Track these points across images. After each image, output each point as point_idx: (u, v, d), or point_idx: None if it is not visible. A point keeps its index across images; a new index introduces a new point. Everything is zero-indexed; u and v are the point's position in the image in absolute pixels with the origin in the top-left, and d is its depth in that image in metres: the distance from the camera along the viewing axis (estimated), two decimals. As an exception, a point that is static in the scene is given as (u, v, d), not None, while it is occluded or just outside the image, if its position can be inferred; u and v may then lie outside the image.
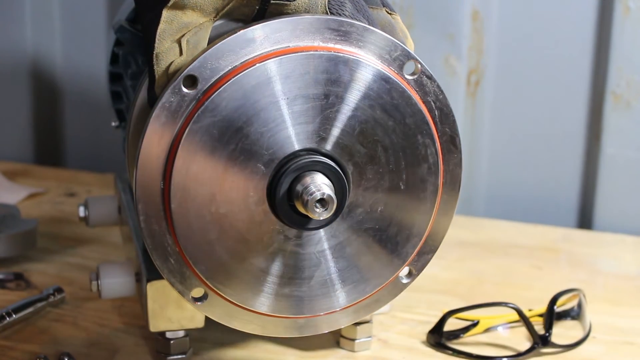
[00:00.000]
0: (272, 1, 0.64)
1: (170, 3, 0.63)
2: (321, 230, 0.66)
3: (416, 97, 0.65)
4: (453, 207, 0.70)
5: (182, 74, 0.62)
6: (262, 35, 0.62)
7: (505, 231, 1.08)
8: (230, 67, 0.62)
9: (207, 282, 0.64)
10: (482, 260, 0.98)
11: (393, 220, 0.67)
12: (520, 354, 0.75)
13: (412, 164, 0.66)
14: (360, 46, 0.64)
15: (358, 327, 0.74)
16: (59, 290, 0.83)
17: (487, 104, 1.15)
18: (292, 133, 0.63)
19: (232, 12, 0.65)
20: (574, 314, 0.82)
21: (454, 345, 0.76)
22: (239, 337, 0.77)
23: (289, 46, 0.63)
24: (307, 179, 0.62)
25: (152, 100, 0.64)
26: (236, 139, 0.62)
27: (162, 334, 0.74)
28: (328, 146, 0.64)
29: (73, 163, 1.34)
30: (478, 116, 1.15)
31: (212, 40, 0.64)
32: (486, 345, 0.77)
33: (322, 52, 0.63)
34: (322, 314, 0.69)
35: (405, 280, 0.71)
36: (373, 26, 0.65)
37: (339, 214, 0.64)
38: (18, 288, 0.87)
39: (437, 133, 0.67)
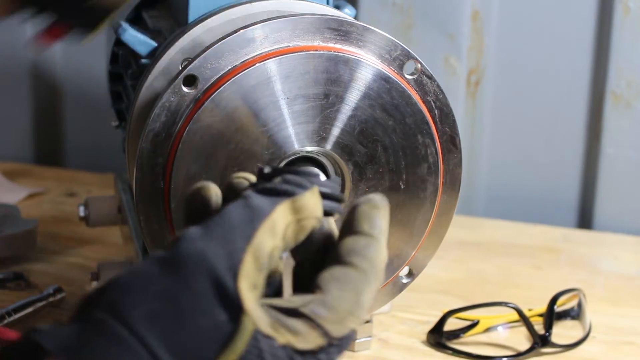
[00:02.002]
0: None
1: None
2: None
3: (416, 97, 0.65)
4: (453, 206, 0.70)
5: (182, 74, 0.62)
6: (262, 35, 0.63)
7: (505, 231, 1.08)
8: (230, 67, 0.62)
9: (207, 282, 0.64)
10: (482, 260, 0.98)
11: (393, 220, 0.67)
12: (520, 354, 0.75)
13: (412, 164, 0.66)
14: (360, 46, 0.64)
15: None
16: (59, 290, 0.83)
17: (487, 104, 1.15)
18: (292, 133, 0.63)
19: None
20: (574, 313, 0.82)
21: (454, 345, 0.76)
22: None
23: (289, 46, 0.63)
24: (307, 179, 0.62)
25: None
26: (236, 138, 0.62)
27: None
28: (328, 146, 0.64)
29: (73, 163, 1.34)
30: (478, 116, 1.15)
31: (211, 43, 0.64)
32: (486, 345, 0.77)
33: (322, 52, 0.63)
34: (322, 313, 0.69)
35: (405, 280, 0.71)
36: None
37: None
38: (18, 288, 0.87)
39: (437, 133, 0.67)
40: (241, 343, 0.41)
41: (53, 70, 1.32)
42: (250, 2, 0.68)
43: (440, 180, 0.68)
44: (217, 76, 0.62)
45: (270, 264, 0.45)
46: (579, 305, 0.82)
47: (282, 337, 0.43)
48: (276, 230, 0.45)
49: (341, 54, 0.63)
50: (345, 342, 0.47)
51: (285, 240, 0.46)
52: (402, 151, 0.66)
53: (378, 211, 0.49)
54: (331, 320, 0.45)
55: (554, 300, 0.78)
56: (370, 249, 0.47)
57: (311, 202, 0.48)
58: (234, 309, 0.41)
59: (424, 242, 0.69)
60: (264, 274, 0.44)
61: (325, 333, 0.45)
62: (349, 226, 0.49)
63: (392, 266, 0.69)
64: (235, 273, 0.42)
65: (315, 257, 0.50)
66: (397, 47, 0.65)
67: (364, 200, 0.50)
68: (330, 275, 0.46)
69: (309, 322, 0.44)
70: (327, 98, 0.63)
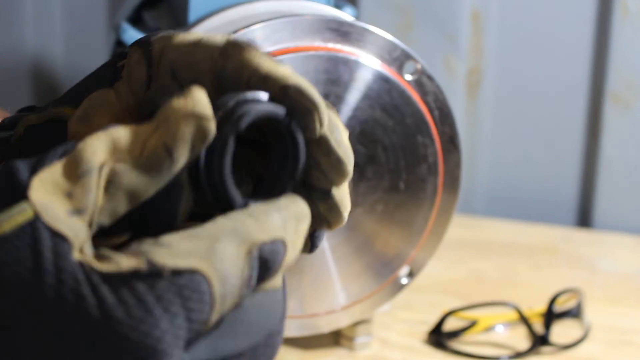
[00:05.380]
0: None
1: None
2: (321, 229, 0.66)
3: (416, 97, 0.66)
4: (453, 206, 0.70)
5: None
6: (262, 36, 0.63)
7: (505, 231, 1.08)
8: (230, 67, 0.62)
9: (208, 282, 0.64)
10: (482, 260, 0.98)
11: (393, 220, 0.67)
12: (519, 354, 0.75)
13: (412, 164, 0.66)
14: (360, 46, 0.64)
15: (358, 326, 0.74)
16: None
17: (487, 104, 1.15)
18: (293, 133, 0.63)
19: None
20: (573, 313, 0.82)
21: (454, 344, 0.76)
22: (239, 337, 0.77)
23: (289, 46, 0.63)
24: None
25: None
26: (236, 138, 0.62)
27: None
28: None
29: (73, 163, 1.34)
30: (478, 116, 1.15)
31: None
32: (486, 344, 0.77)
33: (322, 52, 0.63)
34: (322, 313, 0.69)
35: (405, 280, 0.71)
36: None
37: None
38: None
39: (437, 133, 0.67)
40: (7, 223, 0.34)
41: (53, 70, 1.32)
42: (250, 2, 0.68)
43: (440, 180, 0.68)
44: (218, 76, 0.62)
45: (113, 183, 0.36)
46: (578, 304, 0.82)
47: (81, 254, 0.34)
48: (120, 144, 0.36)
49: (341, 55, 0.63)
50: (187, 280, 0.34)
51: (137, 157, 0.36)
52: (402, 151, 0.66)
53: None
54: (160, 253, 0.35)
55: (553, 300, 0.79)
56: (247, 216, 0.38)
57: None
58: (15, 195, 0.35)
59: (423, 242, 0.69)
60: (88, 188, 0.35)
61: (147, 260, 0.34)
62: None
63: (392, 266, 0.69)
64: (35, 169, 0.35)
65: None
66: (397, 48, 0.65)
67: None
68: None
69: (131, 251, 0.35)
70: (327, 98, 0.63)
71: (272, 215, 0.38)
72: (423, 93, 0.66)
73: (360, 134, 0.64)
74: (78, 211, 0.35)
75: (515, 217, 1.14)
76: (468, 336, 0.78)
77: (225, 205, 0.38)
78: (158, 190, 0.36)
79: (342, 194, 0.43)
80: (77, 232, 0.34)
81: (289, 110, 0.40)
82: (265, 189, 0.41)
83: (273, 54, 0.62)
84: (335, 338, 0.76)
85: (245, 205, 0.39)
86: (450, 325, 0.77)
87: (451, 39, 1.13)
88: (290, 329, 0.69)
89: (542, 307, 0.80)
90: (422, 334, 0.78)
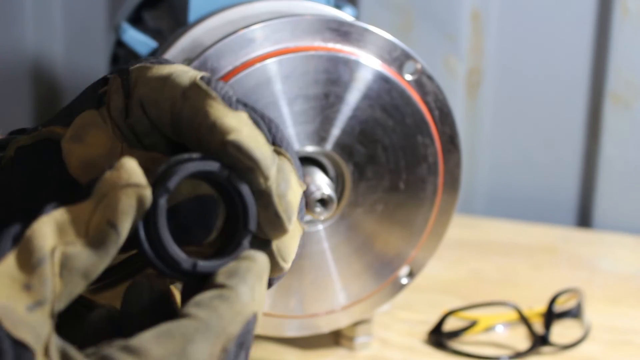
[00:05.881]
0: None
1: None
2: (321, 229, 0.66)
3: (416, 97, 0.66)
4: (453, 206, 0.70)
5: (182, 74, 0.62)
6: (262, 36, 0.63)
7: (505, 231, 1.08)
8: (230, 67, 0.62)
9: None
10: (482, 260, 0.98)
11: (393, 220, 0.67)
12: (519, 354, 0.75)
13: (412, 164, 0.66)
14: (361, 46, 0.64)
15: (358, 326, 0.74)
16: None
17: (487, 104, 1.15)
18: (293, 133, 0.63)
19: None
20: (573, 313, 0.82)
21: (454, 344, 0.76)
22: (239, 337, 0.77)
23: (289, 46, 0.63)
24: (307, 178, 0.62)
25: None
26: (236, 138, 0.62)
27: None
28: (328, 146, 0.64)
29: (73, 163, 1.34)
30: (478, 116, 1.15)
31: (211, 43, 0.64)
32: (486, 344, 0.77)
33: (322, 52, 0.63)
34: (322, 313, 0.69)
35: (404, 280, 0.71)
36: None
37: None
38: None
39: (437, 133, 0.67)
40: None
41: (53, 70, 1.32)
42: (250, 2, 0.68)
43: (440, 180, 0.68)
44: (218, 76, 0.62)
45: (67, 268, 0.35)
46: (578, 304, 0.82)
47: None
48: (65, 226, 0.36)
49: (341, 55, 0.63)
50: None
51: (89, 238, 0.36)
52: (402, 151, 0.66)
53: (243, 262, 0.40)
54: None
55: (553, 300, 0.79)
56: (219, 300, 0.37)
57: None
58: None
59: (423, 242, 0.69)
60: (44, 277, 0.35)
61: None
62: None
63: (392, 266, 0.69)
64: None
65: None
66: (397, 48, 0.65)
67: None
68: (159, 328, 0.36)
69: None
70: (327, 98, 0.63)
71: (242, 291, 0.38)
72: (423, 93, 0.66)
73: (360, 134, 0.64)
74: (39, 303, 0.34)
75: (515, 217, 1.14)
76: (468, 336, 0.78)
77: (172, 268, 0.39)
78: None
79: (283, 245, 0.42)
80: (40, 329, 0.34)
81: (227, 163, 0.40)
82: (221, 244, 0.41)
83: (273, 54, 0.62)
84: (335, 338, 0.76)
85: (193, 266, 0.39)
86: (450, 325, 0.77)
87: (451, 39, 1.13)
88: (290, 329, 0.69)
89: (542, 307, 0.80)
90: (422, 334, 0.78)
